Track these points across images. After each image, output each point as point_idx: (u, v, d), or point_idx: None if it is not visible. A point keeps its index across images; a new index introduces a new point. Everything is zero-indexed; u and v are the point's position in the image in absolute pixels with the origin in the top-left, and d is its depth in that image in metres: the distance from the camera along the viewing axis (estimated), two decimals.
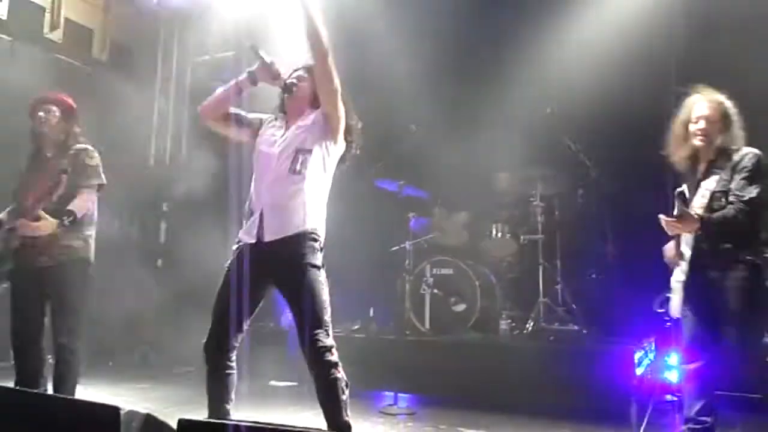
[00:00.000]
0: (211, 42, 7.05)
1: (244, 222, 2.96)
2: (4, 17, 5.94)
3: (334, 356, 2.75)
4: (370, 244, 6.33)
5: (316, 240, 2.87)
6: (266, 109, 3.22)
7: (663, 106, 5.37)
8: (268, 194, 2.88)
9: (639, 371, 4.65)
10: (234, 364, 2.88)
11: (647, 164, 5.52)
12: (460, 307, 5.57)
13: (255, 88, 3.08)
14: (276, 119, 3.09)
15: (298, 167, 2.87)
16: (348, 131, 3.04)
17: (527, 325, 5.49)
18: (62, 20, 6.57)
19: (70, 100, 3.81)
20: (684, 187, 3.31)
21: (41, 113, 3.67)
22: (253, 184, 3.00)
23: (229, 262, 2.92)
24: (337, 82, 2.90)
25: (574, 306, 5.61)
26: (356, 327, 5.97)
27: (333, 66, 2.87)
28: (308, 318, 2.74)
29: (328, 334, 2.77)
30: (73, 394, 3.62)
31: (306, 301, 2.75)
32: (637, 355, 4.67)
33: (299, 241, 2.82)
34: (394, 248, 6.00)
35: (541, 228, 5.73)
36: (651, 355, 5.19)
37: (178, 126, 7.64)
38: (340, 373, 2.74)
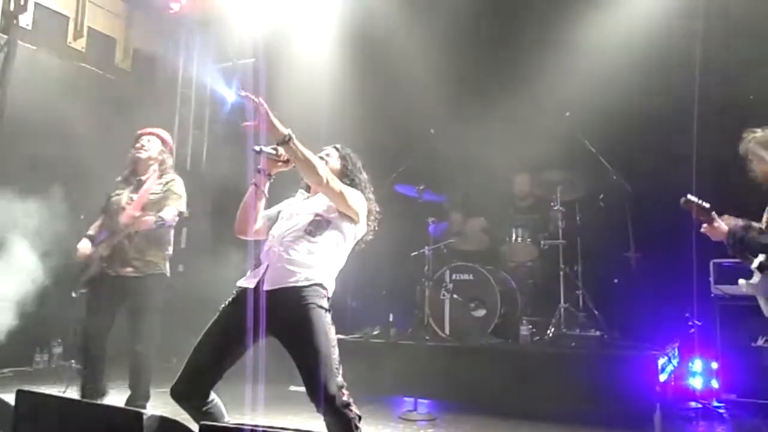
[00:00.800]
0: (232, 49, 7.12)
1: (249, 272, 2.85)
2: (29, 27, 6.05)
3: (345, 396, 2.56)
4: (390, 249, 6.31)
5: (323, 288, 2.75)
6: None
7: (684, 108, 5.35)
8: (278, 248, 2.77)
9: (662, 377, 4.59)
10: (211, 397, 2.71)
11: (669, 167, 5.48)
12: (480, 313, 5.54)
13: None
14: (299, 195, 3.06)
15: (313, 230, 2.79)
16: (366, 215, 2.98)
17: (548, 331, 5.45)
18: (85, 29, 6.69)
19: (165, 135, 4.33)
20: (689, 196, 3.38)
21: (143, 141, 4.17)
22: (269, 238, 2.90)
23: (226, 301, 2.80)
24: (342, 193, 2.82)
25: (595, 312, 5.55)
26: (376, 332, 5.97)
27: (335, 185, 2.80)
28: (315, 360, 2.55)
29: (338, 373, 2.59)
30: (147, 396, 4.00)
31: (311, 341, 2.58)
32: (661, 362, 4.61)
33: (304, 289, 2.69)
34: (414, 253, 5.99)
35: (561, 233, 5.68)
36: (675, 362, 5.12)
37: (200, 133, 7.71)
38: (353, 413, 2.57)
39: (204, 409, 2.66)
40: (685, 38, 5.46)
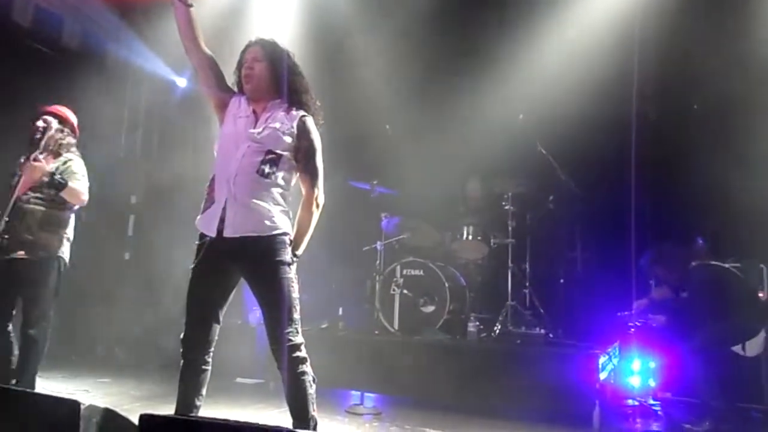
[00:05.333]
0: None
1: (202, 204, 2.89)
2: None
3: (302, 352, 2.78)
4: (342, 243, 6.32)
5: (286, 235, 2.85)
6: None
7: (627, 114, 5.53)
8: (233, 189, 2.78)
9: (603, 376, 4.73)
10: (210, 360, 2.85)
11: (614, 171, 5.65)
12: (429, 309, 5.58)
13: None
14: (241, 99, 2.97)
15: (267, 170, 2.80)
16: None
17: (495, 328, 5.54)
18: (32, 6, 6.41)
19: (67, 113, 4.13)
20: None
21: (40, 123, 3.97)
22: (216, 167, 2.89)
23: (195, 259, 2.86)
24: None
25: (541, 310, 5.67)
26: (325, 325, 5.95)
27: (322, 194, 2.97)
28: (279, 315, 2.73)
29: (297, 332, 2.78)
30: (33, 382, 3.79)
31: (277, 299, 2.75)
32: (602, 360, 4.74)
33: (269, 240, 2.79)
34: (366, 248, 6.00)
35: (511, 232, 5.78)
36: (615, 360, 5.28)
37: (150, 118, 7.52)
38: (308, 369, 2.78)
39: (203, 365, 2.82)
40: (627, 44, 5.65)
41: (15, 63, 5.84)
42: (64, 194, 3.83)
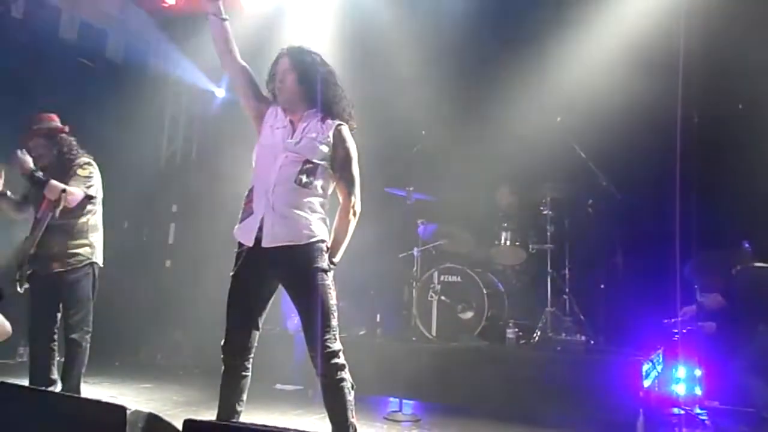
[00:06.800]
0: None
1: (240, 215, 2.93)
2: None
3: (341, 359, 2.79)
4: (378, 250, 6.32)
5: (323, 242, 2.87)
6: None
7: (671, 116, 5.40)
8: (272, 199, 2.82)
9: (646, 383, 4.62)
10: (250, 366, 2.89)
11: (656, 174, 5.53)
12: (467, 315, 5.55)
13: None
14: (277, 109, 3.01)
15: (304, 179, 2.83)
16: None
17: (534, 335, 5.47)
18: (77, 22, 6.61)
19: (46, 126, 3.98)
20: None
21: (30, 148, 3.87)
22: (255, 178, 2.94)
23: (234, 267, 2.90)
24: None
25: (581, 316, 5.58)
26: (363, 332, 5.97)
27: (358, 202, 2.98)
28: (316, 321, 2.76)
29: (335, 338, 2.79)
30: (79, 387, 3.88)
31: (314, 306, 2.77)
32: (645, 367, 4.64)
33: (306, 248, 2.81)
34: (402, 254, 5.99)
35: (550, 237, 5.71)
36: (659, 367, 5.15)
37: (190, 128, 7.67)
38: (347, 375, 2.79)
39: (243, 372, 2.86)
40: (671, 44, 5.51)
41: (61, 76, 6.02)
42: (46, 191, 3.75)
